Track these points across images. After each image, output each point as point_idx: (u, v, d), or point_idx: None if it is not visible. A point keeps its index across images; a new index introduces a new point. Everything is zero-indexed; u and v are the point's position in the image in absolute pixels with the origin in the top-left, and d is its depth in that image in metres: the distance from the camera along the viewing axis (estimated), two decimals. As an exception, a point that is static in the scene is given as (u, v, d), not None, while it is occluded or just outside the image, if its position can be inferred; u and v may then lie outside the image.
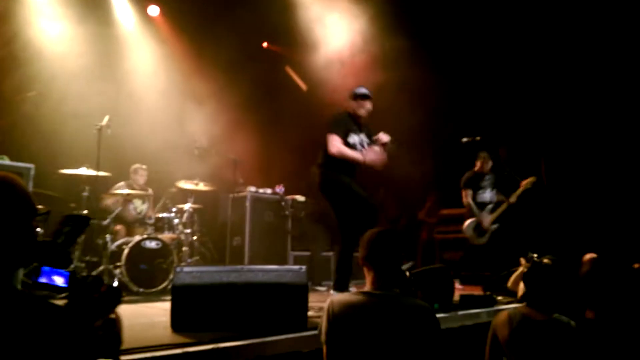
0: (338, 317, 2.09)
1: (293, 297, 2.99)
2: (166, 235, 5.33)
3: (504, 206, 5.77)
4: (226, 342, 2.43)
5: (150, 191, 5.93)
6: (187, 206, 5.70)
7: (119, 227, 5.41)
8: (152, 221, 5.29)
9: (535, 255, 2.98)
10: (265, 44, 8.27)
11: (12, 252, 1.15)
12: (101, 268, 4.88)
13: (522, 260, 3.47)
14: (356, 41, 6.81)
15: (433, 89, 6.88)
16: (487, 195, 5.92)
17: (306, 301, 3.04)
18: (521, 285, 2.55)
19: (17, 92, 5.87)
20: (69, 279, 1.27)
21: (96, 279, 1.31)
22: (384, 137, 4.34)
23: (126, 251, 4.86)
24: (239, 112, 7.13)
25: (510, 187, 5.86)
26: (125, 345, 1.45)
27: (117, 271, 4.84)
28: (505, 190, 5.91)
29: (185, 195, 5.85)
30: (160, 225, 5.43)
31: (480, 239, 5.80)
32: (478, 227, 5.80)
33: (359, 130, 4.31)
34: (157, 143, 6.48)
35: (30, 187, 4.45)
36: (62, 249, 1.35)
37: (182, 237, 5.54)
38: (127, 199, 5.64)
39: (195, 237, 5.79)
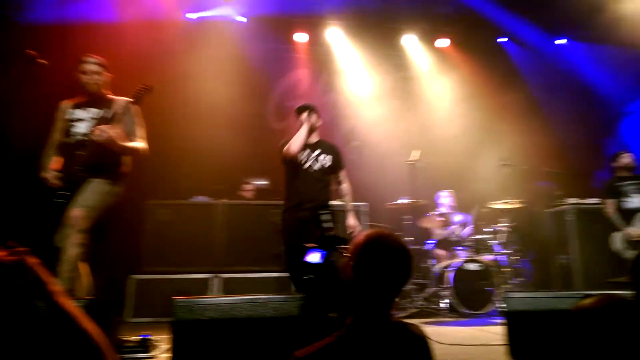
0: None
1: None
2: (486, 257, 5.39)
3: None
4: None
5: (459, 214, 6.12)
6: (501, 226, 5.65)
7: (440, 251, 5.78)
8: (469, 243, 5.48)
9: None
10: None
11: None
12: (430, 290, 5.31)
13: None
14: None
15: None
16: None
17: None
18: None
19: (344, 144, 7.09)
20: None
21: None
22: None
23: (450, 274, 5.13)
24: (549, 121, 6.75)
25: None
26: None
27: (444, 293, 5.16)
28: None
29: (498, 214, 5.81)
30: (479, 246, 5.54)
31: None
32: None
33: None
34: (461, 167, 6.74)
35: (367, 222, 5.32)
36: None
37: (502, 257, 5.50)
38: (443, 223, 5.98)
39: (515, 257, 5.64)
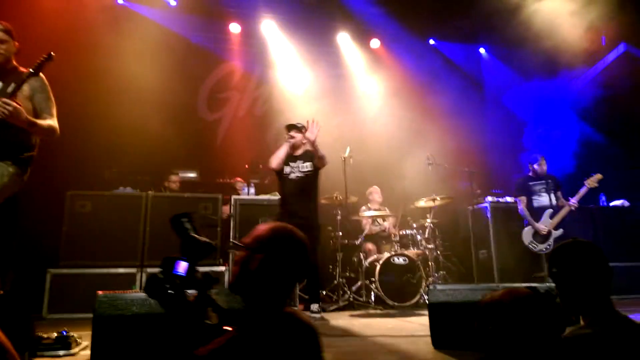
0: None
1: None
2: (412, 251, 5.61)
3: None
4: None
5: (387, 210, 6.32)
6: (427, 222, 5.90)
7: (369, 245, 5.94)
8: (397, 238, 5.67)
9: None
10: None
11: None
12: (359, 283, 5.44)
13: None
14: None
15: None
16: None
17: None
18: None
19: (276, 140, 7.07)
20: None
21: None
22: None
23: (378, 267, 5.28)
24: (469, 124, 7.13)
25: None
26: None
27: (373, 286, 5.31)
28: None
29: (424, 211, 6.06)
30: (405, 241, 5.75)
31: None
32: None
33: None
34: (392, 164, 6.95)
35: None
36: None
37: (427, 252, 5.74)
38: (372, 218, 6.15)
39: (439, 252, 5.92)
